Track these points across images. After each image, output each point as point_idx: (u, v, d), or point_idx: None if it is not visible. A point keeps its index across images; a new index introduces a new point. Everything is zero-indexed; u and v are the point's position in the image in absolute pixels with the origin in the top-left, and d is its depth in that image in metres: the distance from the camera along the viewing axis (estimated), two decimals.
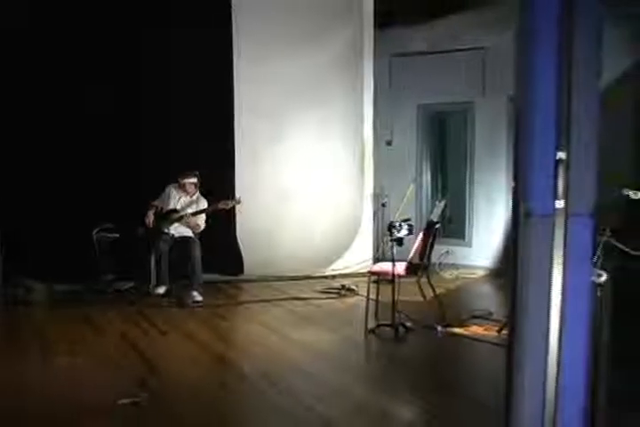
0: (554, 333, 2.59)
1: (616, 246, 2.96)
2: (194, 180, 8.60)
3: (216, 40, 9.45)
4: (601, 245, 2.92)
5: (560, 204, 2.57)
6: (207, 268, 8.65)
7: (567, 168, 2.57)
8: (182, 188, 8.64)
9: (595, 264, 2.87)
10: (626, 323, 5.36)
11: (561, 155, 2.57)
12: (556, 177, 2.57)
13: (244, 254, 9.89)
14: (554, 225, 2.58)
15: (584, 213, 2.61)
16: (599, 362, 2.94)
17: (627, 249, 2.87)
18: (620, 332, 4.98)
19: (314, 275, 10.06)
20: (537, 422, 2.60)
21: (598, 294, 2.95)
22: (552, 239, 2.58)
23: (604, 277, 2.86)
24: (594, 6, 2.61)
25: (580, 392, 2.65)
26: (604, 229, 2.97)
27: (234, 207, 8.81)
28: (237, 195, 8.99)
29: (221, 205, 8.48)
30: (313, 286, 9.51)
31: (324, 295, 8.97)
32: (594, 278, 2.84)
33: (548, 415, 2.60)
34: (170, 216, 8.55)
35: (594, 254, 2.84)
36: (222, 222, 9.10)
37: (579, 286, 2.63)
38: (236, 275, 9.88)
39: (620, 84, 7.35)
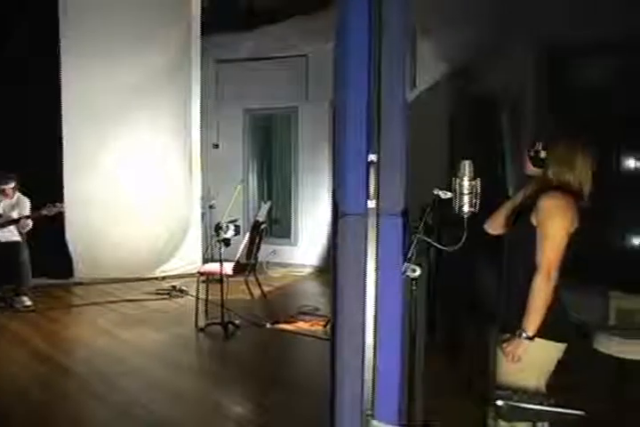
0: (370, 325, 2.69)
1: (430, 243, 3.17)
2: (11, 184, 8.32)
3: (42, 39, 9.16)
4: (415, 242, 3.11)
5: (372, 203, 2.69)
6: (36, 271, 8.46)
7: (378, 170, 2.69)
8: (2, 193, 8.37)
9: (409, 260, 3.04)
10: (439, 313, 5.73)
11: (372, 157, 2.68)
12: (367, 178, 2.69)
13: (73, 257, 9.72)
14: (367, 224, 2.69)
15: (394, 212, 2.74)
16: (414, 350, 3.13)
17: (438, 245, 3.09)
18: (434, 321, 5.32)
19: (144, 277, 10.03)
20: (357, 406, 2.75)
21: (413, 287, 3.13)
22: (365, 237, 2.69)
23: (417, 272, 3.02)
24: (403, 22, 2.79)
25: (395, 378, 2.78)
26: (416, 228, 3.17)
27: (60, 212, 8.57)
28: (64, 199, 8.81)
29: (45, 212, 8.19)
30: (144, 287, 9.50)
31: (155, 297, 8.99)
32: (408, 273, 3.01)
33: (367, 399, 2.75)
34: None
35: (408, 251, 3.02)
36: (50, 224, 8.81)
37: (392, 280, 2.75)
38: (65, 278, 9.68)
39: (434, 92, 7.79)
